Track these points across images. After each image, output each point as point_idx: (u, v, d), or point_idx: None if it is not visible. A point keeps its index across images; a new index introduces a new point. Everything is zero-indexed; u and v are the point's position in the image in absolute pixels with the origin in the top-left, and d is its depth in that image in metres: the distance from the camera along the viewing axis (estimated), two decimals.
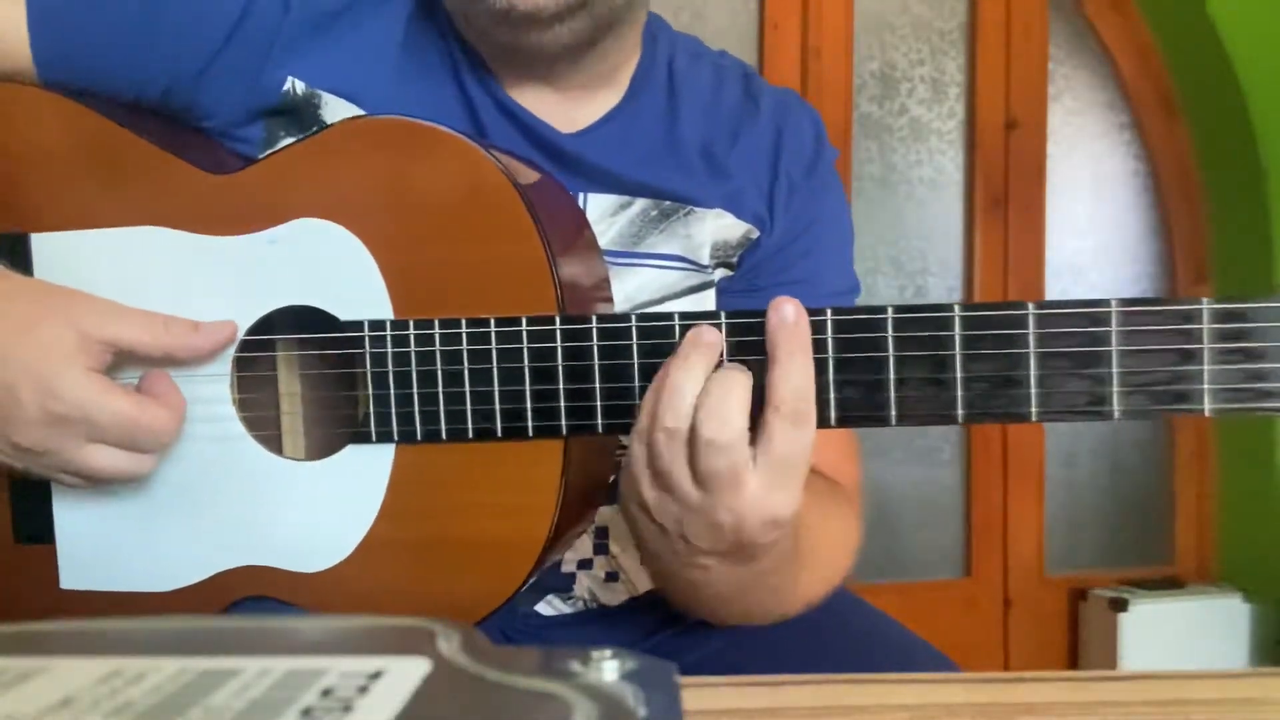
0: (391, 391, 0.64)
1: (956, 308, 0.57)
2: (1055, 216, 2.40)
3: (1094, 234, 2.43)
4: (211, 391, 0.68)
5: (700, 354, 0.58)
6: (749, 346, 0.59)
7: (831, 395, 0.59)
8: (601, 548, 0.82)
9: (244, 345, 0.68)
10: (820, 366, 0.58)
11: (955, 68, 2.37)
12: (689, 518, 0.59)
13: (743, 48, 2.26)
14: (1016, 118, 2.35)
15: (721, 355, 0.59)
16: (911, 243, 2.37)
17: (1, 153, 0.72)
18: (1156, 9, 2.32)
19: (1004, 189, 2.36)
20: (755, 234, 0.81)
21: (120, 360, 0.65)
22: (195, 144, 0.74)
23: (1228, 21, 2.18)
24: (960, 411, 0.58)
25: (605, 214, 0.78)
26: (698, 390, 0.57)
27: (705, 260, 0.80)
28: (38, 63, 0.72)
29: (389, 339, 0.64)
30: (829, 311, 0.58)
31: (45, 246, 0.70)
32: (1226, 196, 2.33)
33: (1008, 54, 2.35)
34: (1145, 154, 2.43)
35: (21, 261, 0.70)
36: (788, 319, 0.57)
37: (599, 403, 0.61)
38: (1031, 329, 0.56)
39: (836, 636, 0.76)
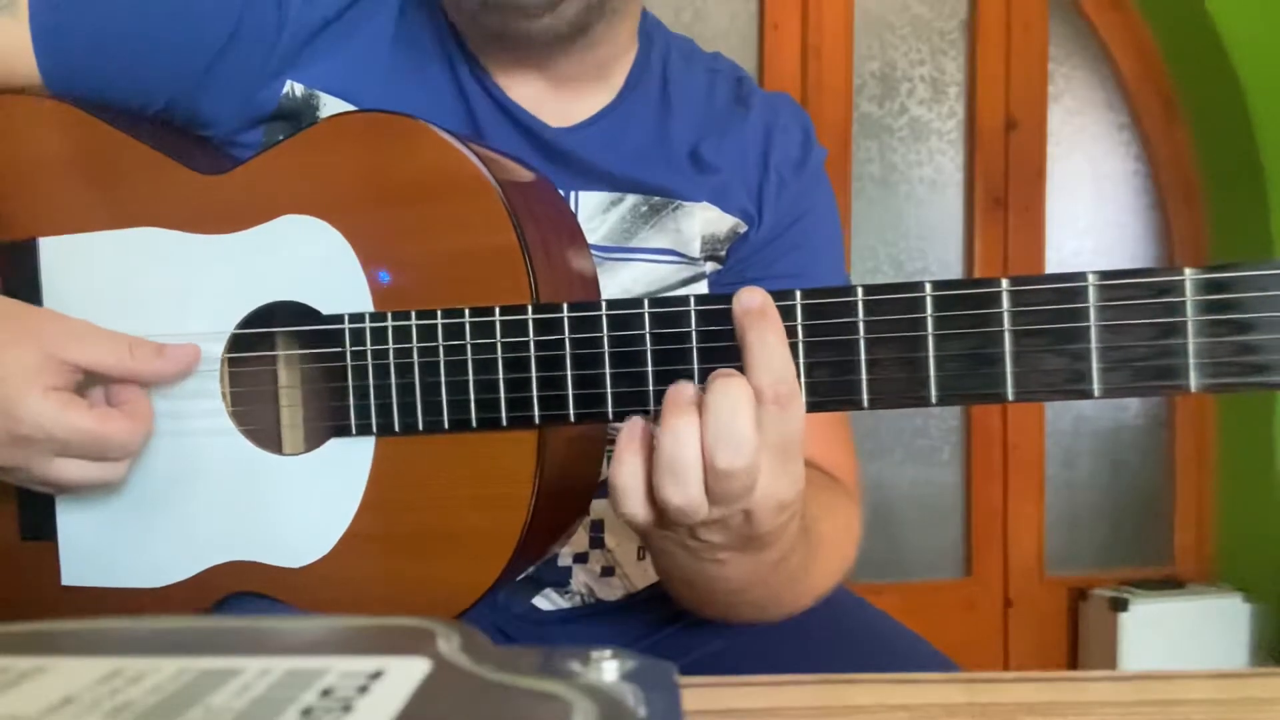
0: (370, 383, 0.65)
1: (928, 285, 0.55)
2: (1055, 216, 2.40)
3: (1094, 234, 2.43)
4: (201, 387, 0.69)
5: (684, 416, 0.54)
6: (722, 334, 0.58)
7: (802, 379, 0.57)
8: (597, 541, 0.82)
9: (233, 341, 0.69)
10: (790, 350, 0.56)
11: (955, 68, 2.37)
12: (699, 526, 0.58)
13: (743, 48, 2.26)
14: (1016, 118, 2.35)
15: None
16: (911, 243, 2.37)
17: (7, 161, 0.73)
18: (1156, 9, 2.33)
19: (1004, 189, 2.36)
20: (743, 228, 0.81)
21: (89, 380, 0.66)
22: (192, 147, 0.76)
23: (1228, 21, 2.18)
24: (934, 392, 0.56)
25: (596, 211, 0.78)
26: (697, 449, 0.54)
27: (696, 253, 0.81)
28: (45, 81, 0.74)
29: (368, 332, 0.65)
30: (798, 294, 0.57)
31: (51, 250, 0.72)
32: (1226, 196, 2.33)
33: (1008, 54, 2.35)
34: (1145, 154, 2.44)
35: (30, 265, 0.71)
36: (752, 305, 0.55)
37: (570, 391, 0.61)
38: (1005, 306, 0.54)
39: (837, 636, 0.76)
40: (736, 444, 0.53)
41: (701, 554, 0.61)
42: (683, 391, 0.55)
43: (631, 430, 0.56)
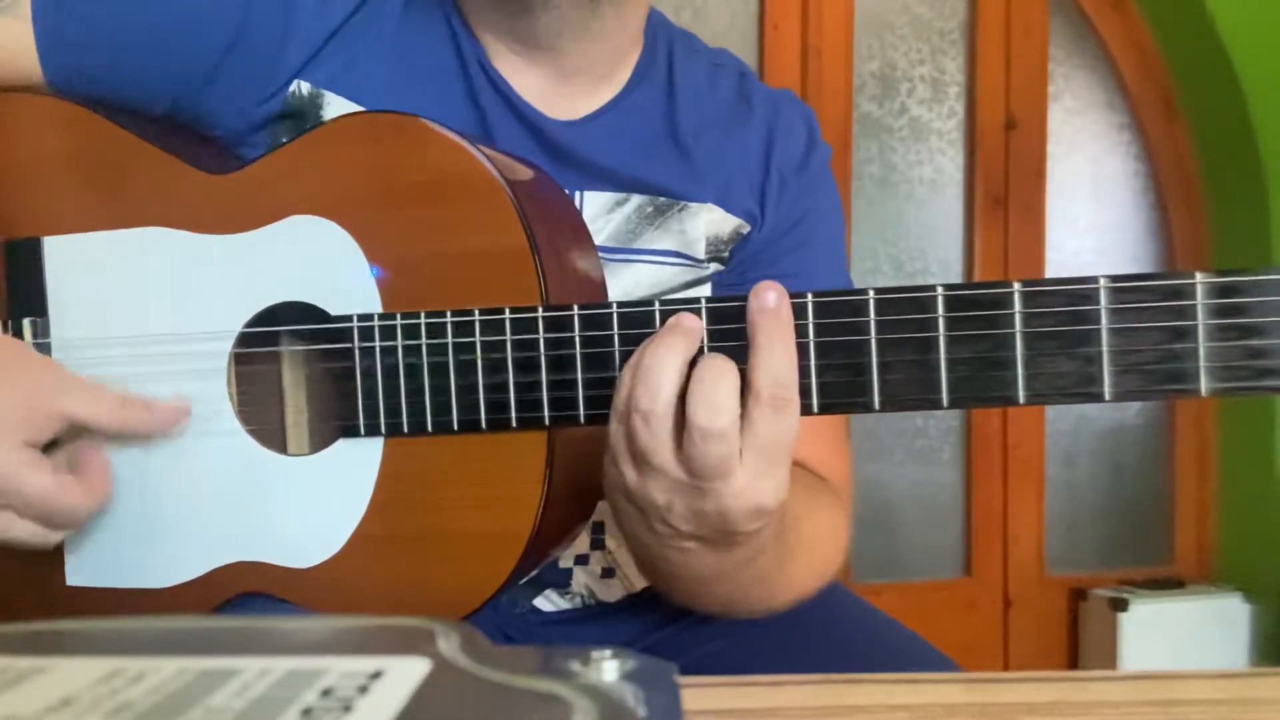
0: (379, 384, 0.65)
1: (940, 288, 0.56)
2: (1055, 216, 2.40)
3: (1094, 234, 2.43)
4: (209, 388, 0.68)
5: (678, 338, 0.57)
6: (729, 334, 0.58)
7: (813, 381, 0.57)
8: (598, 542, 0.82)
9: (241, 341, 0.69)
10: (801, 351, 0.57)
11: (955, 68, 2.37)
12: (674, 501, 0.58)
13: (743, 48, 2.26)
14: (1016, 118, 2.35)
15: (702, 342, 0.58)
16: (911, 242, 2.37)
17: (13, 160, 0.73)
18: (1156, 9, 2.32)
19: (1004, 189, 2.36)
20: (746, 229, 0.81)
21: (74, 431, 0.66)
22: (198, 146, 0.75)
23: (1228, 21, 2.18)
24: (945, 395, 0.56)
25: (601, 211, 0.78)
26: (675, 373, 0.56)
27: (700, 255, 0.80)
28: (48, 82, 0.74)
29: (376, 332, 0.65)
30: (809, 295, 0.57)
31: (56, 250, 0.72)
32: (1226, 196, 2.33)
33: (1008, 54, 2.35)
34: (1145, 154, 2.44)
35: (35, 265, 0.71)
36: (768, 304, 0.56)
37: (580, 392, 0.61)
38: (1017, 308, 0.54)
39: (837, 636, 0.76)
40: (716, 407, 0.55)
41: (667, 540, 0.61)
42: (682, 319, 0.58)
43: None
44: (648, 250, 0.79)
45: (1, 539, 0.65)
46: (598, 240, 0.75)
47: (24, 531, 0.65)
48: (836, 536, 0.76)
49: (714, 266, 0.82)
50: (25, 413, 0.64)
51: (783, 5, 2.26)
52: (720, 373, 0.56)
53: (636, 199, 0.79)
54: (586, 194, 0.78)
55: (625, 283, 0.78)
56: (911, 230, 2.37)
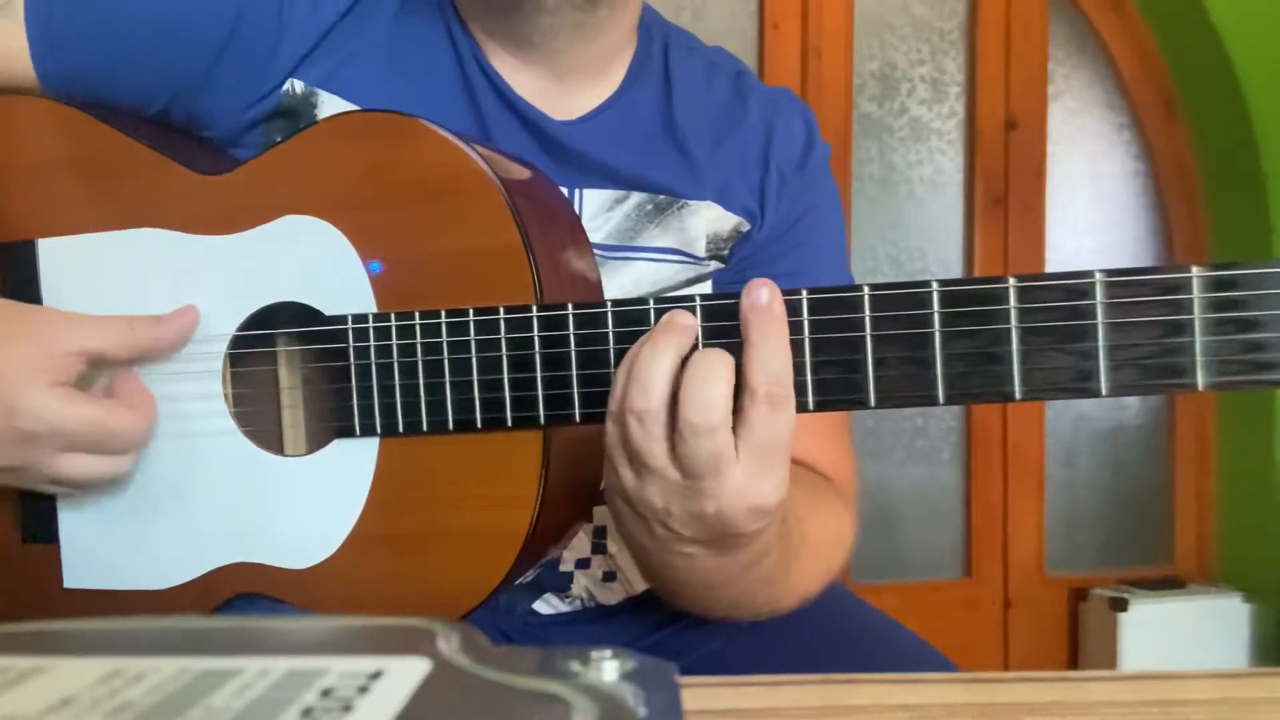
0: (374, 384, 0.65)
1: (934, 283, 0.55)
2: (1055, 216, 2.40)
3: (1094, 234, 2.43)
4: (203, 388, 0.68)
5: (671, 336, 0.57)
6: (725, 331, 0.58)
7: (809, 378, 0.57)
8: (599, 547, 0.82)
9: (235, 342, 0.69)
10: (796, 348, 0.56)
11: (955, 68, 2.37)
12: (672, 504, 0.58)
13: (743, 48, 2.26)
14: (1016, 118, 2.35)
15: (696, 339, 0.58)
16: (911, 242, 2.37)
17: (7, 162, 0.73)
18: (1156, 9, 2.32)
19: (1004, 189, 2.36)
20: (746, 227, 0.81)
21: (96, 368, 0.66)
22: (192, 147, 0.75)
23: (1228, 21, 2.18)
24: (941, 391, 0.55)
25: (601, 209, 0.78)
26: (669, 372, 0.56)
27: (701, 253, 0.80)
28: (42, 83, 0.74)
29: (371, 331, 0.65)
30: (804, 291, 0.57)
31: (50, 252, 0.72)
32: (1226, 196, 2.33)
33: (1008, 54, 2.35)
34: (1145, 154, 2.44)
35: (29, 267, 0.71)
36: (760, 301, 0.56)
37: (575, 390, 0.61)
38: (1013, 303, 0.54)
39: (837, 636, 0.76)
40: (706, 402, 0.55)
41: (669, 545, 0.61)
42: (676, 317, 0.57)
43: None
44: (648, 248, 0.79)
45: (70, 479, 0.65)
46: (597, 238, 0.75)
47: (88, 467, 0.65)
48: (840, 537, 0.76)
49: (714, 264, 0.82)
50: (42, 357, 0.63)
51: (783, 5, 2.26)
52: (712, 369, 0.55)
53: (636, 197, 0.79)
54: (586, 192, 0.78)
55: (625, 281, 0.78)
56: (911, 230, 2.37)
